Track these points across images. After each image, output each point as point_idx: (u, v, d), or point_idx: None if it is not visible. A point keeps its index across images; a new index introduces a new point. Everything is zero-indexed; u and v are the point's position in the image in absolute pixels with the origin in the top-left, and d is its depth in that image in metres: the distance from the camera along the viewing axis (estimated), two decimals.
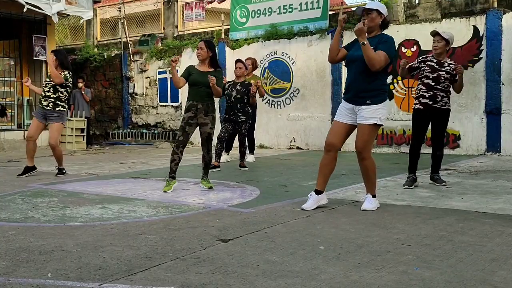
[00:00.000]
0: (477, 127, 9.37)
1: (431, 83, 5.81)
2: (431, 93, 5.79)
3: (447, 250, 3.28)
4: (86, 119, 12.91)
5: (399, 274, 2.83)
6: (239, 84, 7.90)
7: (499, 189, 5.67)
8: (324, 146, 4.67)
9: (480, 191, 5.51)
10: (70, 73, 7.18)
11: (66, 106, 7.28)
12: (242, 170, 7.71)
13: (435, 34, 5.88)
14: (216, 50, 6.48)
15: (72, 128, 12.54)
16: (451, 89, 5.92)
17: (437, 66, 5.82)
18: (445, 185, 5.82)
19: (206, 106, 5.84)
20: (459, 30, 9.43)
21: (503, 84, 9.13)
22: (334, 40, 4.63)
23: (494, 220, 4.14)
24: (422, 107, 5.86)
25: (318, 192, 4.61)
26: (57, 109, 7.11)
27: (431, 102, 5.80)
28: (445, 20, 9.73)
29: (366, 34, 4.38)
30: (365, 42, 4.29)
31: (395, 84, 10.13)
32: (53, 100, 7.10)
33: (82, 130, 12.81)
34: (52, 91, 7.11)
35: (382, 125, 4.55)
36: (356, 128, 4.57)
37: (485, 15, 9.28)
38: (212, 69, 5.90)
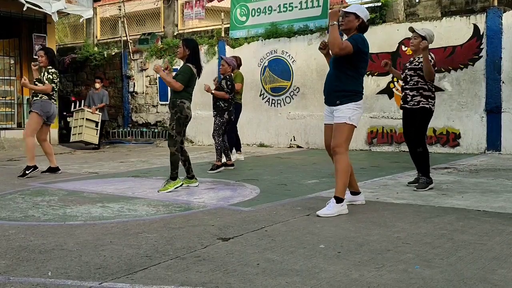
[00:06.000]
0: (477, 125, 9.36)
1: (402, 84, 5.82)
2: (403, 94, 5.76)
3: (447, 249, 3.28)
4: (101, 121, 12.48)
5: (399, 272, 2.83)
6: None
7: (499, 187, 5.67)
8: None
9: (480, 190, 5.51)
10: (53, 69, 7.39)
11: (49, 99, 7.35)
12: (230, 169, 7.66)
13: (412, 31, 5.81)
14: (203, 49, 6.44)
15: (83, 119, 12.12)
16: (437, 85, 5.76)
17: (407, 65, 5.80)
18: (415, 190, 5.52)
19: (172, 103, 5.87)
20: (459, 29, 9.43)
21: (503, 82, 9.12)
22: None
23: (494, 218, 4.14)
24: (402, 109, 5.84)
25: (352, 193, 4.81)
26: (35, 98, 7.38)
27: (403, 103, 5.76)
28: (445, 19, 9.72)
29: (344, 35, 4.53)
30: (335, 23, 4.39)
31: (395, 83, 10.13)
32: (34, 93, 7.51)
33: (96, 124, 12.37)
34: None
35: (353, 125, 4.47)
36: None
37: (485, 14, 9.27)
38: None
